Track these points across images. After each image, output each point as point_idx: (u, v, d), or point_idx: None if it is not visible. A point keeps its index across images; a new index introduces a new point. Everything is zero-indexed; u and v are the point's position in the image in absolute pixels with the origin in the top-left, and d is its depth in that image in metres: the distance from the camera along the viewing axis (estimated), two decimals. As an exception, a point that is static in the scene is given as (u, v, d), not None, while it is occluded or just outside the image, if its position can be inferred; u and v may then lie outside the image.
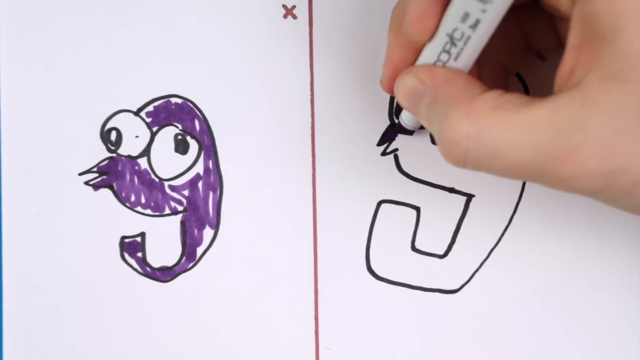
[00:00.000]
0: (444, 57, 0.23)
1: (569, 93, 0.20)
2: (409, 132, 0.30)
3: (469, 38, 0.22)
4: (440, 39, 0.23)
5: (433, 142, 0.31)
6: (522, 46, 0.27)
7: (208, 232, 0.30)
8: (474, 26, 0.22)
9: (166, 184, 0.30)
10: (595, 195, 0.21)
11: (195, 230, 0.30)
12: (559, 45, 0.27)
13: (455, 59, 0.23)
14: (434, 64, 0.24)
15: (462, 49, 0.23)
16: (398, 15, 0.25)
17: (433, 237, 0.31)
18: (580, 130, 0.19)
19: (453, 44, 0.23)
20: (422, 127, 0.30)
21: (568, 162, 0.20)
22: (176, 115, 0.30)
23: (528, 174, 0.21)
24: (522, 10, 0.25)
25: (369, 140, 0.31)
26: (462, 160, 0.21)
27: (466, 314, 0.31)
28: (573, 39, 0.21)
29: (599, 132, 0.19)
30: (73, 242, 0.30)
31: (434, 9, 0.22)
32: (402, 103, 0.25)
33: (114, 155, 0.30)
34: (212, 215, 0.30)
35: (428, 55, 0.24)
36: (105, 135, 0.30)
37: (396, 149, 0.31)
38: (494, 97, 0.21)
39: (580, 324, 0.31)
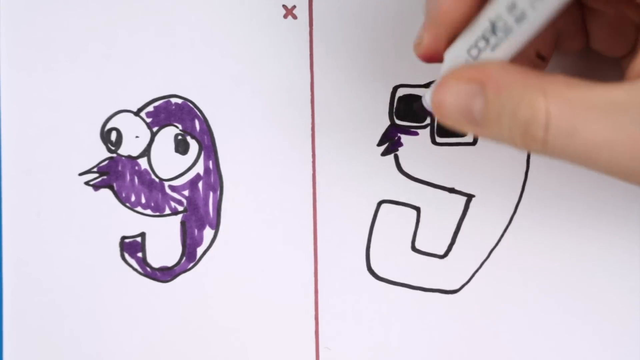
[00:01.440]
0: (482, 44, 0.22)
1: None
2: (429, 114, 0.29)
3: (511, 30, 0.21)
4: (481, 24, 0.22)
5: (434, 142, 0.31)
6: (553, 39, 0.27)
7: (208, 232, 0.30)
8: (519, 20, 0.21)
9: (166, 184, 0.30)
10: None
11: (196, 231, 0.30)
12: (583, 44, 0.26)
13: (493, 49, 0.22)
14: (469, 51, 0.22)
15: (502, 40, 0.21)
16: None
17: (433, 237, 0.31)
18: None
19: (494, 32, 0.21)
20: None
21: None
22: (176, 115, 0.30)
23: (606, 154, 0.20)
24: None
25: (369, 140, 0.31)
26: (542, 140, 0.20)
27: (466, 314, 0.31)
28: None
29: None
30: (73, 242, 0.30)
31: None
32: (447, 116, 0.23)
33: (114, 155, 0.30)
34: (212, 215, 0.30)
35: (464, 40, 0.22)
36: (105, 135, 0.30)
37: (396, 149, 0.31)
38: (562, 78, 0.21)
39: (580, 324, 0.31)
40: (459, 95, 0.22)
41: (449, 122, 0.23)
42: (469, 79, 0.22)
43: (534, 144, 0.21)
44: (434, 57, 0.24)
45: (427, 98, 0.26)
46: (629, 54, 0.26)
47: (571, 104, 0.20)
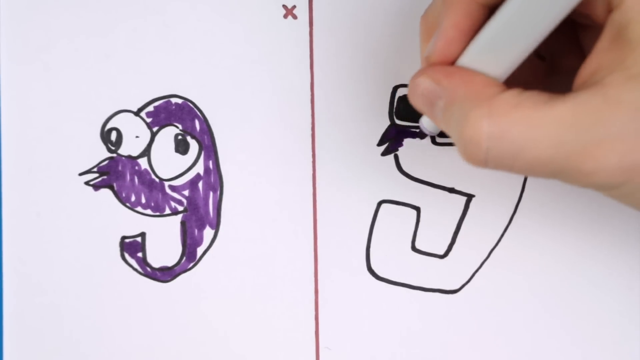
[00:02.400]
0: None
1: (590, 90, 0.20)
2: (431, 135, 0.30)
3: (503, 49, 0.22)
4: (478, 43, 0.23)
5: (434, 142, 0.31)
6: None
7: (208, 232, 0.30)
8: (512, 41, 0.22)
9: (166, 184, 0.30)
10: (612, 190, 0.21)
11: (196, 230, 0.30)
12: (580, 63, 0.27)
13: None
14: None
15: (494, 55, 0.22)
16: (428, 25, 0.25)
17: (433, 237, 0.31)
18: (602, 126, 0.20)
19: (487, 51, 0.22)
20: (442, 134, 0.30)
21: (589, 157, 0.20)
22: (176, 115, 0.30)
23: (549, 171, 0.21)
24: None
25: (369, 140, 0.31)
26: (483, 160, 0.21)
27: (466, 314, 0.31)
28: (601, 43, 0.21)
29: (621, 128, 0.20)
30: (73, 242, 0.30)
31: (460, 39, 0.23)
32: (417, 105, 0.25)
33: (114, 155, 0.30)
34: (213, 215, 0.30)
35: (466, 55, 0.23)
36: (105, 135, 0.30)
37: (396, 149, 0.31)
38: (513, 95, 0.21)
39: (580, 324, 0.31)
40: (427, 90, 0.24)
41: (418, 109, 0.25)
42: (436, 79, 0.23)
43: (475, 161, 0.22)
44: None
45: (424, 122, 0.28)
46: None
47: (516, 125, 0.20)
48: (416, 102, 0.25)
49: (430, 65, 0.24)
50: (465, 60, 0.23)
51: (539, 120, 0.20)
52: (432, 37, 0.25)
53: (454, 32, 0.23)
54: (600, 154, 0.20)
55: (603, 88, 0.20)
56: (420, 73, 0.24)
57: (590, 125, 0.20)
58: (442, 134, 0.30)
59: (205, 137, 0.30)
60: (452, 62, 0.23)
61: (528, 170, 0.21)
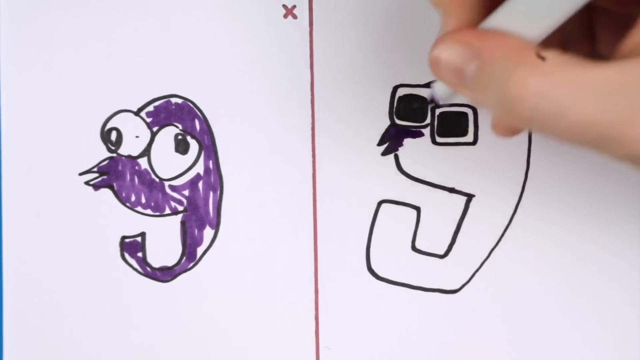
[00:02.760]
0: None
1: (637, 59, 0.20)
2: (438, 105, 0.29)
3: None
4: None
5: (434, 142, 0.31)
6: (558, 43, 0.26)
7: (208, 232, 0.30)
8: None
9: (166, 184, 0.30)
10: None
11: (196, 230, 0.30)
12: (590, 49, 0.26)
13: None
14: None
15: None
16: None
17: (433, 237, 0.31)
18: None
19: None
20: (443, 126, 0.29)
21: (636, 124, 0.19)
22: (176, 115, 0.30)
23: (591, 136, 0.20)
24: None
25: (369, 140, 0.31)
26: (529, 118, 0.20)
27: (466, 314, 0.31)
28: None
29: None
30: (73, 242, 0.30)
31: None
32: (440, 73, 0.23)
33: (114, 155, 0.30)
34: (213, 215, 0.30)
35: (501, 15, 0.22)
36: (105, 135, 0.30)
37: (396, 149, 0.31)
38: (557, 55, 0.20)
39: (580, 324, 0.31)
40: (455, 56, 0.22)
41: (442, 79, 0.23)
42: (467, 42, 0.22)
43: (519, 120, 0.21)
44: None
45: (437, 87, 0.26)
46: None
47: (563, 84, 0.20)
48: (439, 70, 0.23)
49: (454, 31, 0.23)
50: (496, 20, 0.22)
51: (587, 81, 0.20)
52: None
53: None
54: None
55: None
56: (445, 38, 0.22)
57: (638, 92, 0.19)
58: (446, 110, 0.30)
59: (205, 137, 0.30)
60: (475, 24, 0.22)
61: (571, 132, 0.20)
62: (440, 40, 0.23)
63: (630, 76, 0.19)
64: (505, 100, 0.21)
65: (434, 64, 0.23)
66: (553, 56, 0.20)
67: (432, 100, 0.26)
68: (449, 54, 0.22)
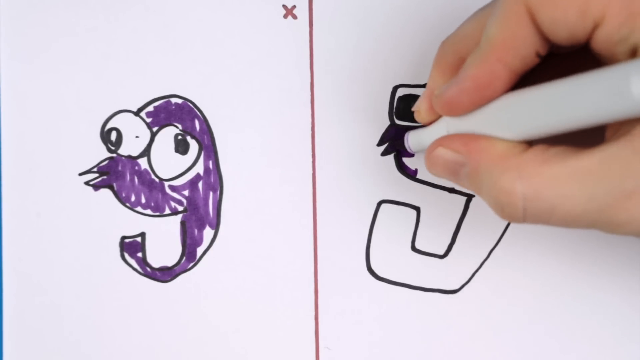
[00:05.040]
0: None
1: (618, 143, 0.20)
2: (410, 155, 0.30)
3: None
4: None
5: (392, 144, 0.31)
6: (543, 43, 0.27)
7: (208, 232, 0.30)
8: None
9: (166, 184, 0.30)
10: None
11: (196, 231, 0.30)
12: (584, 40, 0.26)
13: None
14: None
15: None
16: (446, 54, 0.25)
17: (433, 237, 0.31)
18: (632, 178, 0.20)
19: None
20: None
21: (621, 209, 0.20)
22: (176, 115, 0.30)
23: (585, 224, 0.21)
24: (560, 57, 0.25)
25: (369, 140, 0.31)
26: (522, 218, 0.22)
27: (466, 314, 0.31)
28: None
29: None
30: (73, 242, 0.30)
31: (475, 93, 0.23)
32: (439, 175, 0.25)
33: (114, 155, 0.30)
34: (212, 215, 0.30)
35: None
36: (105, 135, 0.30)
37: (396, 149, 0.31)
38: (539, 153, 0.21)
39: (580, 324, 0.31)
40: (447, 161, 0.24)
41: (441, 177, 0.25)
42: (455, 149, 0.23)
43: (513, 220, 0.22)
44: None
45: (409, 141, 0.28)
46: None
47: (547, 184, 0.21)
48: (438, 173, 0.25)
49: (445, 137, 0.24)
50: (484, 118, 0.23)
51: (567, 176, 0.20)
52: (445, 65, 0.25)
53: (471, 84, 0.22)
54: (632, 205, 0.20)
55: (631, 140, 0.20)
56: (436, 144, 0.24)
57: (620, 177, 0.20)
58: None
59: (205, 137, 0.30)
60: (458, 111, 0.23)
61: (564, 223, 0.21)
62: (434, 145, 0.24)
63: (610, 163, 0.20)
64: (497, 204, 0.22)
65: (431, 165, 0.25)
66: (534, 157, 0.21)
67: (399, 144, 0.29)
68: (442, 159, 0.24)
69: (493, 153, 0.22)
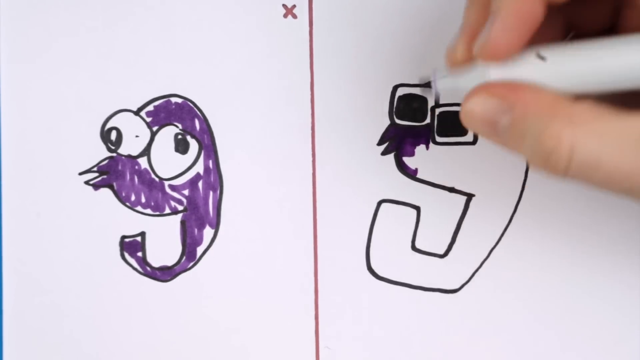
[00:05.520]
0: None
1: None
2: (410, 154, 0.30)
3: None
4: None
5: (434, 141, 0.31)
6: (560, 33, 0.26)
7: (208, 232, 0.30)
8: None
9: (166, 183, 0.30)
10: None
11: (196, 230, 0.30)
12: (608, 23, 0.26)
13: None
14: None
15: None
16: None
17: (433, 237, 0.31)
18: None
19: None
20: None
21: None
22: (176, 114, 0.30)
23: (626, 186, 0.21)
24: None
25: (369, 140, 0.31)
26: (565, 169, 0.21)
27: (466, 314, 0.30)
28: None
29: None
30: (73, 242, 0.30)
31: (519, 30, 0.22)
32: (474, 126, 0.23)
33: (114, 154, 0.30)
34: (212, 214, 0.30)
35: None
36: (105, 134, 0.30)
37: (396, 149, 0.31)
38: (591, 107, 0.21)
39: (580, 324, 0.31)
40: (488, 109, 0.22)
41: (475, 130, 0.24)
42: (500, 95, 0.22)
43: (555, 171, 0.21)
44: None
45: (439, 86, 0.25)
46: None
47: (598, 135, 0.20)
48: (474, 123, 0.23)
49: (487, 84, 0.23)
50: (529, 71, 0.22)
51: (620, 133, 0.20)
52: (481, 4, 0.24)
53: (515, 20, 0.22)
54: None
55: None
56: (477, 91, 0.23)
57: None
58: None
59: (205, 136, 0.30)
60: (503, 53, 0.22)
61: (607, 181, 0.21)
62: (473, 92, 0.23)
63: None
64: (540, 152, 0.21)
65: (468, 115, 0.23)
66: (586, 108, 0.21)
67: (427, 85, 0.26)
68: (482, 107, 0.23)
69: (543, 100, 0.21)
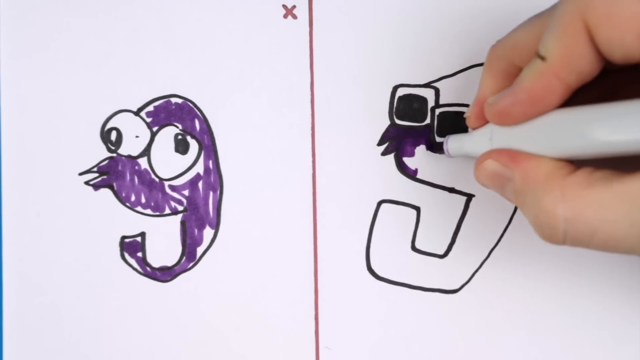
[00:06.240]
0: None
1: None
2: (411, 154, 0.30)
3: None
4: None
5: (434, 141, 0.31)
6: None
7: (208, 232, 0.30)
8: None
9: (166, 183, 0.30)
10: None
11: (196, 230, 0.30)
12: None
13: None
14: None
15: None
16: (498, 59, 0.25)
17: (433, 237, 0.31)
18: None
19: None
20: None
21: None
22: (176, 115, 0.30)
23: (624, 248, 0.21)
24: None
25: (369, 140, 0.31)
26: (561, 241, 0.22)
27: (466, 314, 0.31)
28: None
29: None
30: (73, 242, 0.30)
31: (529, 105, 0.22)
32: (486, 185, 0.25)
33: (114, 155, 0.30)
34: (212, 215, 0.30)
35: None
36: (105, 135, 0.30)
37: (396, 149, 0.31)
38: (585, 176, 0.21)
39: (580, 324, 0.31)
40: (496, 174, 0.24)
41: (487, 187, 0.25)
42: (504, 164, 0.24)
43: (552, 241, 0.22)
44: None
45: (449, 145, 0.28)
46: None
47: (590, 207, 0.21)
48: (485, 183, 0.25)
49: (495, 150, 0.24)
50: (531, 132, 0.23)
51: (611, 200, 0.20)
52: (496, 71, 0.25)
53: (526, 96, 0.22)
54: None
55: None
56: (487, 156, 0.24)
57: None
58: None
59: (205, 137, 0.30)
60: (510, 121, 0.23)
61: (605, 247, 0.21)
62: (483, 156, 0.25)
63: None
64: (537, 224, 0.22)
65: (480, 175, 0.25)
66: (579, 179, 0.21)
67: (437, 147, 0.30)
68: (492, 171, 0.24)
69: (539, 172, 0.22)
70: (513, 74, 0.25)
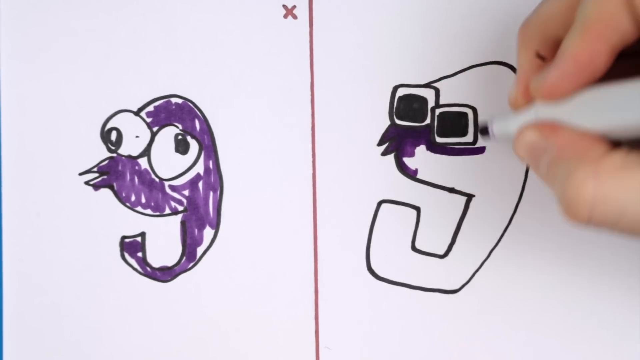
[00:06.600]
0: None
1: None
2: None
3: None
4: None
5: (434, 141, 0.31)
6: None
7: (208, 232, 0.30)
8: None
9: (166, 183, 0.30)
10: None
11: (196, 230, 0.30)
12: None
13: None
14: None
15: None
16: (532, 36, 0.25)
17: (433, 237, 0.31)
18: None
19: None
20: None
21: None
22: (176, 115, 0.30)
23: None
24: None
25: (369, 140, 0.31)
26: (586, 219, 0.21)
27: (466, 314, 0.31)
28: None
29: None
30: (73, 242, 0.30)
31: (577, 75, 0.22)
32: (521, 156, 0.24)
33: (115, 155, 0.30)
34: (213, 215, 0.30)
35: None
36: (105, 135, 0.30)
37: (396, 149, 0.31)
38: (621, 156, 0.21)
39: (580, 324, 0.31)
40: (533, 145, 0.24)
41: (523, 160, 0.25)
42: (544, 135, 0.23)
43: (576, 219, 0.21)
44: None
45: (495, 127, 0.27)
46: None
47: (620, 187, 0.20)
48: (522, 155, 0.24)
49: (537, 122, 0.24)
50: (576, 107, 0.23)
51: None
52: (533, 48, 0.25)
53: (573, 65, 0.22)
54: None
55: None
56: (529, 127, 0.24)
57: None
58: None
59: (205, 137, 0.30)
60: (559, 95, 0.23)
61: (631, 230, 0.21)
62: (525, 127, 0.24)
63: None
64: (564, 199, 0.21)
65: (518, 147, 0.24)
66: (618, 157, 0.21)
67: (484, 131, 0.28)
68: (529, 142, 0.24)
69: (577, 145, 0.22)
70: (549, 48, 0.24)
